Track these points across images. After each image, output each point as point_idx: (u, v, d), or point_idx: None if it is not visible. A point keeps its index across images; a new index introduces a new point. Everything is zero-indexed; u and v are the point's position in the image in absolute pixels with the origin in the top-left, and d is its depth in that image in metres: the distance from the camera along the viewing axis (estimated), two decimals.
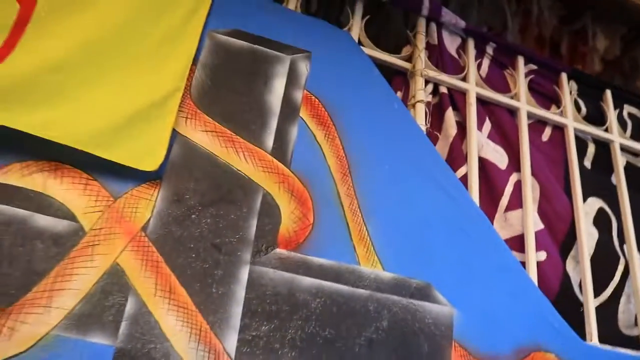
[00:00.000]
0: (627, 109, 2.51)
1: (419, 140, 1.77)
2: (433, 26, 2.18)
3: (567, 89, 2.33)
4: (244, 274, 1.41)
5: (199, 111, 1.56)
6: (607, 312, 2.04)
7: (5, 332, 1.15)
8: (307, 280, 1.45)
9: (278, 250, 1.46)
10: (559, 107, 2.30)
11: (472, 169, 1.94)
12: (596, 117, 2.37)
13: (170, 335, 1.28)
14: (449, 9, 2.42)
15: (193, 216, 1.43)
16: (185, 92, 1.54)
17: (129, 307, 1.27)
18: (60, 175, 1.35)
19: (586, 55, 2.95)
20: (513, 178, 2.06)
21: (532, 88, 2.31)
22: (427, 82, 2.07)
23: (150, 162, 1.37)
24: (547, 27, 2.80)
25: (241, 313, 1.36)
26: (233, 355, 1.31)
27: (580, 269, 1.99)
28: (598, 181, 2.26)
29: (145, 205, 1.40)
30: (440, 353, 1.50)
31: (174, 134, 1.47)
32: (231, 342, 1.32)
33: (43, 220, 1.30)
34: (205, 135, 1.53)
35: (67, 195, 1.34)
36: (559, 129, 2.28)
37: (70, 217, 1.32)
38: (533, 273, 1.86)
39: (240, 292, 1.38)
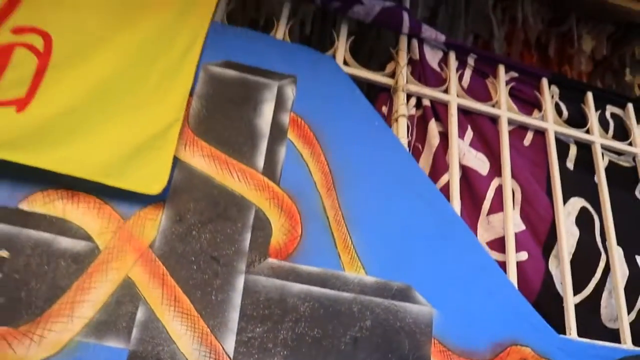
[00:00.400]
0: (610, 109, 2.68)
1: (399, 154, 1.98)
2: (415, 42, 2.37)
3: (548, 94, 2.51)
4: (240, 283, 1.63)
5: (196, 138, 1.79)
6: (590, 307, 2.21)
7: (36, 339, 1.39)
8: (297, 286, 1.67)
9: (270, 260, 1.68)
10: (540, 111, 2.48)
11: (454, 177, 2.13)
12: (578, 120, 2.54)
13: (176, 338, 1.51)
14: (438, 20, 2.63)
15: (193, 232, 1.66)
16: (183, 122, 1.77)
17: (140, 314, 1.51)
18: (77, 201, 1.59)
19: (574, 57, 3.12)
20: (494, 183, 2.25)
21: (514, 95, 2.50)
22: (410, 95, 2.27)
23: (154, 187, 1.61)
24: (532, 32, 2.98)
25: (238, 317, 1.58)
26: (232, 355, 1.53)
27: (559, 267, 2.17)
28: (580, 181, 2.43)
29: (151, 225, 1.63)
30: (420, 349, 1.70)
31: (175, 159, 1.70)
32: (230, 343, 1.54)
33: (64, 242, 1.54)
34: (202, 160, 1.76)
35: (83, 219, 1.58)
36: (541, 133, 2.45)
37: (87, 238, 1.57)
38: (513, 272, 2.04)
39: (236, 299, 1.61)
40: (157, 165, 1.64)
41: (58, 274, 1.50)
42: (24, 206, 1.56)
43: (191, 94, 1.83)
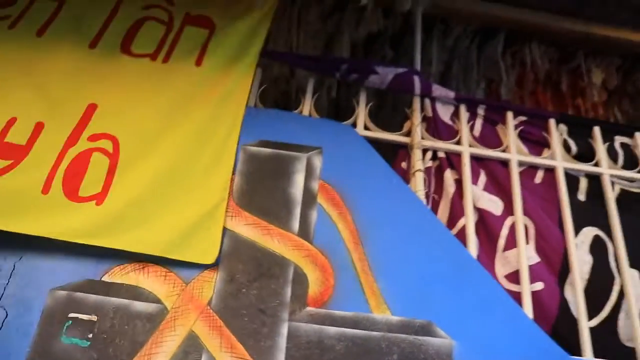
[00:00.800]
0: (619, 139, 2.91)
1: (416, 206, 2.30)
2: (427, 101, 2.70)
3: (555, 133, 2.77)
4: (284, 330, 1.98)
5: (240, 209, 2.17)
6: (608, 329, 2.44)
7: None
8: (332, 329, 2.00)
9: (308, 308, 2.02)
10: (549, 150, 2.75)
11: (469, 220, 2.43)
12: (587, 153, 2.79)
13: None
14: (452, 72, 2.95)
15: (243, 290, 2.02)
16: (229, 197, 2.15)
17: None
18: (147, 271, 1.99)
19: (586, 89, 3.37)
20: (508, 221, 2.53)
21: (523, 137, 2.78)
22: (426, 149, 2.59)
23: (209, 258, 2.00)
24: (541, 72, 3.25)
25: (284, 358, 1.92)
26: None
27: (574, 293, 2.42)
28: (593, 211, 2.67)
29: (208, 286, 2.01)
30: None
31: (224, 230, 2.08)
32: None
33: (139, 305, 1.94)
34: (247, 228, 2.13)
35: (153, 285, 1.98)
36: (551, 170, 2.72)
37: (157, 300, 1.95)
38: (528, 302, 2.31)
39: (282, 343, 1.95)
40: (209, 240, 2.03)
41: (136, 332, 1.89)
42: (106, 278, 1.97)
43: (234, 173, 2.22)
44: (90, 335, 1.86)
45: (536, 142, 2.81)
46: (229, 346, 1.92)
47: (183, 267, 2.01)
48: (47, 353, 1.80)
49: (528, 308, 2.31)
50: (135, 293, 1.96)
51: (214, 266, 2.03)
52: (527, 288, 2.35)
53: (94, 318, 1.90)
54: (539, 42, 3.32)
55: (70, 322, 1.86)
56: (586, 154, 2.81)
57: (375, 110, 2.73)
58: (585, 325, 2.33)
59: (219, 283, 2.02)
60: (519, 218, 2.51)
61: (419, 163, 2.48)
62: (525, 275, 2.38)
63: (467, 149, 2.62)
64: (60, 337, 1.84)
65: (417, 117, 2.62)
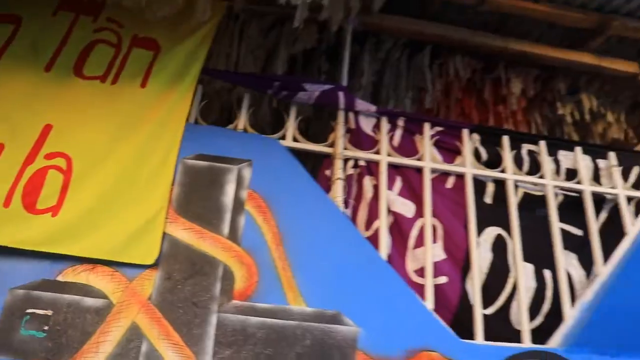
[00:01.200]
0: (526, 147, 3.33)
1: (332, 211, 2.71)
2: (351, 114, 3.09)
3: (467, 142, 3.19)
4: (214, 320, 2.38)
5: (178, 216, 2.55)
6: (503, 316, 2.89)
7: None
8: (254, 319, 2.41)
9: (234, 301, 2.43)
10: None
11: (382, 222, 2.85)
12: (496, 160, 3.22)
13: None
14: (385, 79, 3.33)
15: (179, 286, 2.42)
16: (168, 205, 2.54)
17: (144, 348, 2.27)
18: (96, 272, 2.37)
19: (507, 97, 3.79)
20: (418, 223, 2.95)
21: (439, 146, 3.19)
22: (349, 159, 2.99)
23: (149, 259, 2.39)
24: (464, 82, 3.67)
25: (213, 344, 2.33)
26: None
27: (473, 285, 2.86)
28: (498, 213, 3.10)
29: (149, 283, 2.40)
30: (349, 358, 2.42)
31: (164, 234, 2.47)
32: None
33: (89, 301, 2.32)
34: (183, 232, 2.52)
35: (101, 283, 2.37)
36: (461, 177, 3.14)
37: (104, 296, 2.34)
38: (430, 294, 2.74)
39: (211, 331, 2.36)
40: (150, 243, 2.42)
41: (86, 324, 2.28)
42: (60, 278, 2.36)
43: (174, 183, 2.60)
44: (46, 328, 2.25)
45: (450, 150, 3.22)
46: (166, 334, 2.32)
47: (127, 267, 2.40)
48: (8, 344, 2.19)
49: (430, 299, 2.73)
50: (85, 290, 2.34)
51: (154, 266, 2.42)
52: (430, 281, 2.78)
53: (49, 312, 2.28)
54: (462, 54, 3.72)
55: (28, 316, 2.24)
56: (495, 161, 3.23)
57: (314, 121, 3.11)
58: (479, 313, 2.77)
59: (158, 280, 2.41)
60: (428, 220, 2.93)
61: (339, 172, 2.88)
62: (429, 270, 2.80)
63: (384, 158, 3.02)
64: (20, 330, 2.22)
65: (340, 130, 3.01)
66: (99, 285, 2.36)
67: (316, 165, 3.02)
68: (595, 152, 3.47)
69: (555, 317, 2.85)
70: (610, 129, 4.07)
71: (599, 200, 3.30)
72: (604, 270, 2.99)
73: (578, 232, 3.16)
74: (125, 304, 2.34)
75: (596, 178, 3.36)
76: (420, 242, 2.92)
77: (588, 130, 4.11)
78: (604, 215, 3.29)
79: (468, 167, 3.15)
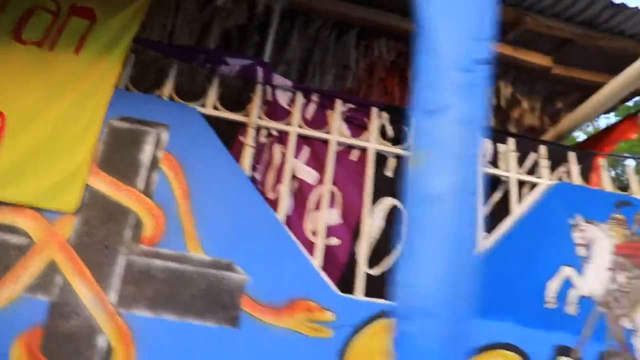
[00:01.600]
0: None
1: (237, 174, 3.14)
2: (269, 88, 3.50)
3: (375, 120, 3.61)
4: (123, 261, 2.83)
5: (100, 170, 2.97)
6: (388, 278, 3.34)
7: None
8: (158, 262, 2.86)
9: (142, 246, 2.87)
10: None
11: (285, 185, 3.28)
12: (402, 138, 3.64)
13: (82, 296, 2.72)
14: (314, 56, 3.73)
15: (94, 231, 2.85)
16: (92, 160, 2.95)
17: (58, 281, 2.72)
18: (22, 215, 2.80)
19: None
20: (318, 189, 3.39)
21: (349, 121, 3.61)
22: (262, 128, 3.41)
23: (71, 207, 2.82)
24: (387, 62, 4.06)
25: (120, 282, 2.79)
26: (115, 304, 2.74)
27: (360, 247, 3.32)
28: (395, 185, 3.54)
29: (69, 227, 2.83)
30: (236, 302, 2.88)
31: (86, 186, 2.89)
32: (114, 297, 2.76)
33: (14, 239, 2.76)
34: (103, 185, 2.95)
35: (25, 224, 2.79)
36: (365, 150, 3.57)
37: (28, 236, 2.78)
38: (321, 252, 3.19)
39: (119, 271, 2.81)
40: (73, 192, 2.84)
41: (9, 258, 2.72)
42: None
43: (99, 142, 3.01)
44: None
45: (359, 126, 3.64)
46: (79, 271, 2.76)
47: (51, 213, 2.82)
48: None
49: (320, 257, 3.19)
50: (11, 229, 2.77)
51: (75, 212, 2.85)
52: (321, 241, 3.23)
53: None
54: (387, 38, 4.10)
55: None
56: (401, 138, 3.65)
57: (243, 92, 3.51)
58: (362, 272, 3.24)
59: (76, 225, 2.84)
60: (327, 187, 3.37)
61: (250, 140, 3.30)
62: (322, 231, 3.25)
63: (294, 129, 3.44)
64: None
65: (256, 101, 3.41)
66: (23, 226, 2.79)
67: (233, 133, 3.43)
68: (498, 137, 3.90)
69: None
70: (526, 115, 4.49)
71: (496, 182, 3.75)
72: (485, 243, 3.46)
73: None
74: (45, 242, 2.78)
75: (494, 161, 3.81)
76: (318, 206, 3.37)
77: (505, 116, 4.54)
78: (498, 195, 3.75)
79: (372, 142, 3.57)
